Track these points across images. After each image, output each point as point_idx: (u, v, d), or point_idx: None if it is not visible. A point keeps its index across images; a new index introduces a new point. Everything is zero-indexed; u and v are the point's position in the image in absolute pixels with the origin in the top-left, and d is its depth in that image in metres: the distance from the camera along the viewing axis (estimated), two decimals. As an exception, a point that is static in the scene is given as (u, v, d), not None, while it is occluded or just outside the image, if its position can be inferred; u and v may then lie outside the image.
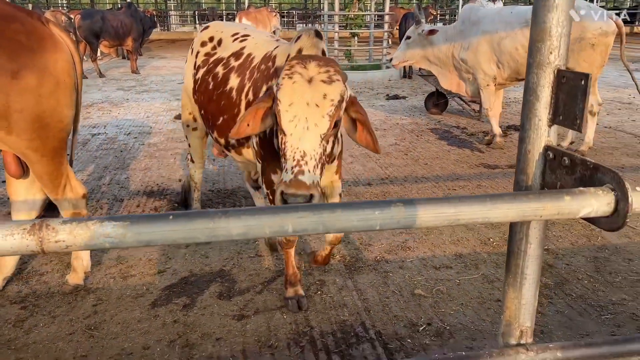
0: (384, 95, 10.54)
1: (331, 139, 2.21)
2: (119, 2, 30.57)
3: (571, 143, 6.21)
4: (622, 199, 1.35)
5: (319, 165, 2.07)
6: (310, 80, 2.07)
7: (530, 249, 1.75)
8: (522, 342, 1.82)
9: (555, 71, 1.61)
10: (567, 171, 1.56)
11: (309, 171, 2.03)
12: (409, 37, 6.55)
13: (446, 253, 3.78)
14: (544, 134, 1.65)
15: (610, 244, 3.87)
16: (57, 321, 2.96)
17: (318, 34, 2.54)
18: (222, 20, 27.86)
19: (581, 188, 1.42)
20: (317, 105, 2.06)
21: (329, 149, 2.19)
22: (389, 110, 9.07)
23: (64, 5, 32.56)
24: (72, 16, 13.63)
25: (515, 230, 1.79)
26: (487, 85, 6.06)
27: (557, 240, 3.96)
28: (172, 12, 42.19)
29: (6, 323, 2.94)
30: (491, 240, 3.98)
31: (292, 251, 3.11)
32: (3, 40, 2.63)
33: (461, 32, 6.14)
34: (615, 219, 1.39)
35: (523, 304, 1.80)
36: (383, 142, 6.91)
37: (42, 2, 29.65)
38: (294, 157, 2.05)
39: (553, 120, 1.64)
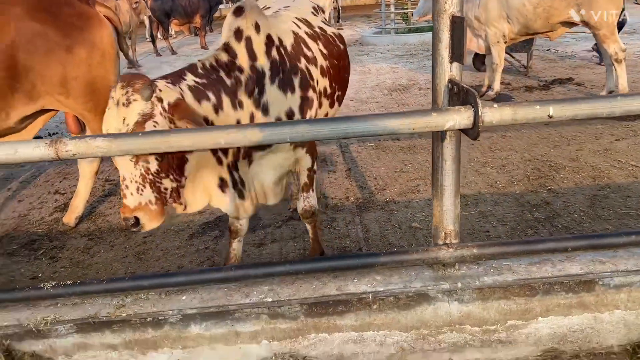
0: (437, 56, 10.64)
1: (154, 157, 2.10)
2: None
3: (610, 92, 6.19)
4: (477, 114, 1.74)
5: (146, 185, 2.09)
6: (117, 104, 2.03)
7: (446, 165, 2.14)
8: (447, 242, 2.22)
9: (451, 17, 1.96)
10: (457, 97, 1.94)
11: (132, 194, 2.07)
12: None
13: (452, 194, 4.13)
14: (447, 70, 2.03)
15: (614, 183, 4.05)
16: (114, 249, 3.69)
17: (237, 11, 2.50)
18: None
19: (448, 107, 1.82)
20: (120, 130, 2.02)
21: (154, 166, 2.10)
22: (437, 70, 9.23)
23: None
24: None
25: (433, 150, 2.18)
26: (498, 41, 6.34)
27: (562, 181, 4.18)
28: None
29: (77, 250, 3.72)
30: (498, 182, 4.27)
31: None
32: (59, 22, 3.30)
33: None
34: (474, 130, 1.78)
35: (445, 210, 2.20)
36: (424, 100, 7.19)
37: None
38: (121, 183, 2.12)
39: (452, 58, 2.00)
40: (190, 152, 2.23)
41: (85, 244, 3.79)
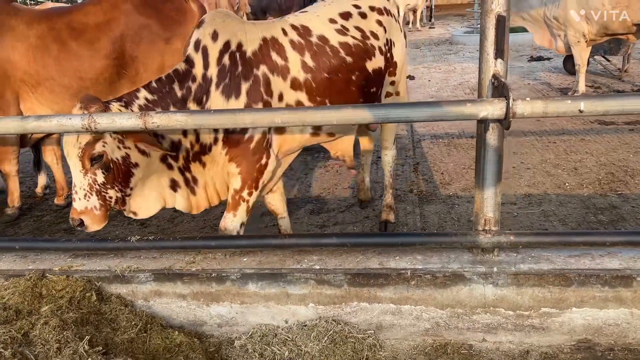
0: (527, 57, 10.36)
1: (100, 171, 2.34)
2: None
3: None
4: (508, 106, 1.89)
5: (93, 193, 2.36)
6: None
7: (488, 154, 2.30)
8: (486, 228, 2.36)
9: (496, 16, 2.12)
10: (497, 91, 2.09)
11: (80, 199, 2.36)
12: None
13: (517, 193, 4.16)
14: (491, 65, 2.18)
15: (693, 193, 3.89)
16: (195, 220, 4.12)
17: (199, 23, 2.70)
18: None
19: (482, 98, 1.97)
20: (74, 146, 2.31)
21: (101, 178, 2.35)
22: (525, 72, 9.03)
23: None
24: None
25: (478, 141, 2.33)
26: (578, 42, 6.20)
27: (636, 187, 4.07)
28: (340, -14, 43.04)
29: (164, 219, 4.19)
30: (566, 184, 4.24)
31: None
32: (161, 16, 3.77)
33: None
34: (506, 120, 1.92)
35: (485, 198, 2.35)
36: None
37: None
38: (72, 188, 2.41)
39: (496, 54, 2.15)
40: (137, 166, 2.46)
41: (171, 215, 4.25)
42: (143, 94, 2.48)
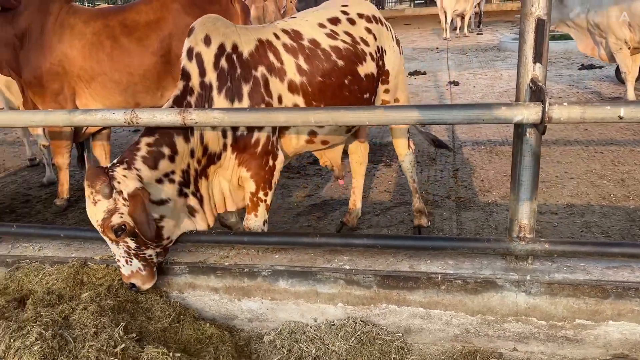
0: (578, 65, 10.05)
1: (130, 238, 2.34)
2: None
3: None
4: (544, 110, 1.86)
5: (132, 258, 2.39)
6: (90, 202, 2.28)
7: (524, 160, 2.27)
8: (521, 235, 2.33)
9: (536, 19, 2.09)
10: (534, 95, 2.06)
11: (123, 266, 2.41)
12: None
13: (559, 202, 4.06)
14: (530, 69, 2.15)
15: None
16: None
17: (189, 31, 2.65)
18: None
19: (518, 102, 1.95)
20: (96, 222, 2.30)
21: (132, 244, 2.36)
22: (574, 80, 8.76)
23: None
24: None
25: (514, 146, 2.31)
26: (620, 49, 6.08)
27: (687, 201, 3.90)
28: (389, -10, 43.25)
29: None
30: (611, 195, 4.09)
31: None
32: None
33: None
34: (542, 125, 1.89)
35: (520, 205, 2.31)
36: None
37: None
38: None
39: (535, 59, 2.12)
40: (163, 218, 2.44)
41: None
42: (144, 141, 2.44)
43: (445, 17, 15.96)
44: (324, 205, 4.35)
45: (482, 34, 16.89)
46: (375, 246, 2.46)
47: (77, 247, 2.85)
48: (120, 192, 2.26)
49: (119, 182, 2.27)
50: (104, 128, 4.55)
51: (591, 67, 9.79)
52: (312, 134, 2.88)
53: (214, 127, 2.54)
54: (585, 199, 4.08)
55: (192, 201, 2.64)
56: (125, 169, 2.33)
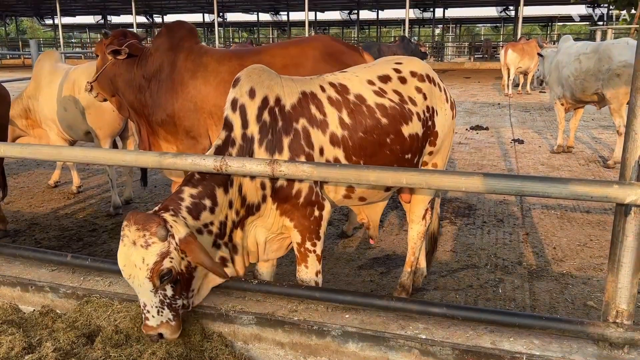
0: None
1: (170, 285, 2.31)
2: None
3: None
4: (663, 192, 1.72)
5: (165, 307, 2.31)
6: (134, 244, 2.22)
7: (626, 240, 2.12)
8: (617, 321, 2.15)
9: (650, 94, 1.97)
10: (645, 173, 1.92)
11: (153, 317, 2.31)
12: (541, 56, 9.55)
13: (641, 281, 3.78)
14: (638, 146, 2.02)
15: None
16: (293, 264, 4.14)
17: (234, 82, 2.67)
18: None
19: (632, 182, 1.82)
20: (140, 268, 2.22)
21: (170, 292, 2.31)
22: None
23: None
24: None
25: (615, 224, 2.16)
26: (555, 102, 8.01)
27: None
28: (448, 44, 43.68)
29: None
30: (701, 278, 3.79)
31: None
32: (341, 67, 3.70)
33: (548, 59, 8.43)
34: (658, 208, 1.75)
35: (619, 287, 2.15)
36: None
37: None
38: (142, 308, 2.36)
39: (647, 134, 1.99)
40: (196, 268, 2.39)
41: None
42: (187, 192, 2.44)
43: (509, 73, 15.84)
44: (387, 260, 4.23)
45: (544, 92, 16.60)
46: (456, 317, 2.32)
47: (147, 286, 2.84)
48: (172, 236, 2.26)
49: (171, 227, 2.27)
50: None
51: None
52: (350, 188, 2.82)
53: (252, 178, 2.53)
54: (670, 279, 3.80)
55: (224, 252, 2.60)
56: (172, 215, 2.32)
